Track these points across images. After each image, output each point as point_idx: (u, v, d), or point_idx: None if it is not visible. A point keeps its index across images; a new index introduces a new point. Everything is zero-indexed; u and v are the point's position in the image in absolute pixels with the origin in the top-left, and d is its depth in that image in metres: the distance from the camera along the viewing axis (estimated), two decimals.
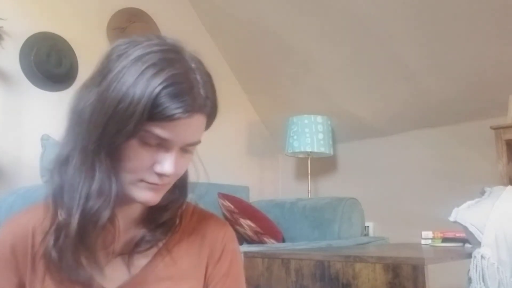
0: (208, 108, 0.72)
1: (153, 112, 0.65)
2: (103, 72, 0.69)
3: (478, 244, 1.55)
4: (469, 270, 1.53)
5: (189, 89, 0.67)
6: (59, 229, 0.70)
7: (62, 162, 0.71)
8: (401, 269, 1.38)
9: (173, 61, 0.68)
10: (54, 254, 0.70)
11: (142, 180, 0.70)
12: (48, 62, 2.44)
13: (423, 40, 2.61)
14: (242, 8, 3.08)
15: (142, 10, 2.95)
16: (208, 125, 0.75)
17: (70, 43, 2.54)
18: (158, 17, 3.01)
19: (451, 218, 1.65)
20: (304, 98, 3.34)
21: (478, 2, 2.32)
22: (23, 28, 2.42)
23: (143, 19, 2.93)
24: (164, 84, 0.65)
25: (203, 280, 0.81)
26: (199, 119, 0.70)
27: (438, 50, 2.60)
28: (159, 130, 0.67)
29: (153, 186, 0.71)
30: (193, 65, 0.71)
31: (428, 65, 2.71)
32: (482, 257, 1.51)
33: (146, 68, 0.66)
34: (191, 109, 0.67)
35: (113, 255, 0.76)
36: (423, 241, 2.15)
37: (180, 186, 0.80)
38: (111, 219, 0.71)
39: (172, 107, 0.65)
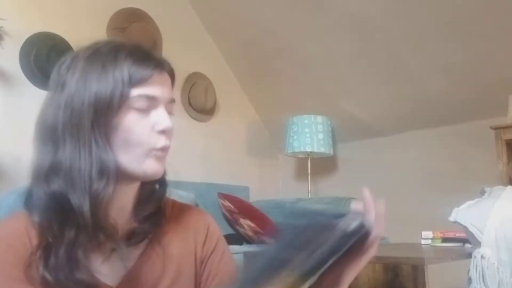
0: (168, 67, 0.81)
1: (132, 80, 0.73)
2: (59, 84, 0.75)
3: (478, 244, 1.55)
4: (469, 270, 1.53)
5: (148, 53, 0.78)
6: (48, 248, 0.72)
7: (50, 169, 0.73)
8: (401, 269, 1.38)
9: (120, 43, 0.78)
10: (47, 275, 0.71)
11: (151, 149, 0.75)
12: (48, 62, 2.44)
13: (423, 41, 2.61)
14: (242, 8, 3.08)
15: (142, 10, 2.95)
16: (172, 85, 0.83)
17: (70, 43, 2.54)
18: (158, 17, 3.01)
19: (451, 218, 1.65)
20: (304, 98, 3.34)
21: (479, 3, 2.32)
22: (23, 28, 2.42)
23: (143, 19, 2.93)
24: (130, 55, 0.75)
25: (194, 265, 0.86)
26: (167, 77, 0.80)
27: (438, 51, 2.60)
28: (144, 90, 0.74)
29: (160, 155, 0.77)
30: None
31: (428, 65, 2.71)
32: (482, 257, 1.51)
33: (105, 55, 0.75)
34: (159, 65, 0.77)
35: (107, 252, 0.77)
36: (423, 241, 2.15)
37: (160, 180, 0.84)
38: (106, 219, 0.73)
39: (145, 66, 0.75)
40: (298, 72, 3.22)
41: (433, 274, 1.48)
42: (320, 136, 3.12)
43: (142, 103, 0.75)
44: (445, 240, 2.06)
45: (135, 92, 0.74)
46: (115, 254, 0.77)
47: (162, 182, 0.85)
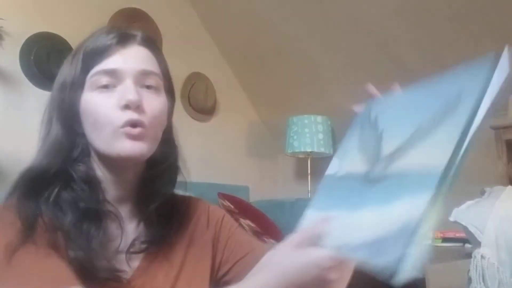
0: (140, 39, 0.76)
1: (88, 58, 0.72)
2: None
3: (478, 244, 1.55)
4: (469, 270, 1.53)
5: (111, 29, 0.75)
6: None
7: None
8: None
9: (100, 28, 0.78)
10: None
11: (117, 128, 0.71)
12: (48, 62, 2.44)
13: (423, 41, 2.61)
14: (242, 8, 3.08)
15: (142, 10, 2.95)
16: (158, 58, 0.78)
17: (70, 43, 2.54)
18: (158, 17, 3.01)
19: (451, 218, 1.65)
20: (304, 98, 3.34)
21: (478, 3, 2.32)
22: (23, 28, 2.42)
23: (143, 19, 2.93)
24: (92, 36, 0.75)
25: (206, 253, 0.83)
26: (139, 50, 0.75)
27: (438, 51, 2.60)
28: (103, 66, 0.72)
29: (132, 132, 0.71)
30: None
31: (428, 66, 2.71)
32: (482, 257, 1.50)
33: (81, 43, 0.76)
34: (122, 38, 0.74)
35: (118, 252, 0.74)
36: None
37: (169, 174, 0.82)
38: (112, 215, 0.74)
39: (102, 42, 0.73)
40: (298, 72, 3.22)
41: (433, 274, 1.48)
42: (320, 136, 3.12)
43: (102, 80, 0.72)
44: (445, 240, 2.06)
45: (94, 70, 0.72)
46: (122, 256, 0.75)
47: (167, 174, 0.81)
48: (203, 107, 3.21)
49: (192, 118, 3.19)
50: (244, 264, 0.81)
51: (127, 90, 0.71)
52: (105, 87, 0.72)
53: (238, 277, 0.74)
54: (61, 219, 0.70)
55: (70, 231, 0.69)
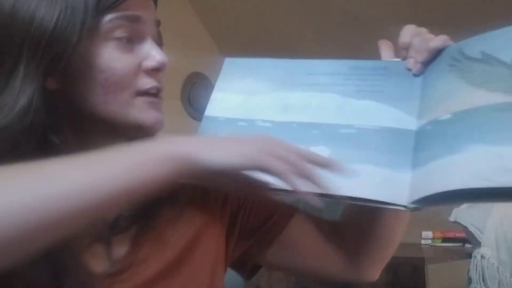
0: None
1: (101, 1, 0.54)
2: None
3: (478, 244, 1.55)
4: (469, 270, 1.53)
5: None
6: None
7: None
8: (401, 269, 1.38)
9: None
10: None
11: (138, 93, 0.58)
12: None
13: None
14: (242, 8, 3.08)
15: None
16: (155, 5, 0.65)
17: None
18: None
19: (451, 218, 1.65)
20: None
21: (478, 3, 2.32)
22: None
23: None
24: None
25: (210, 246, 0.65)
26: None
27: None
28: (122, 10, 0.55)
29: (154, 100, 0.59)
30: None
31: None
32: (482, 257, 1.50)
33: None
34: None
35: (90, 238, 0.58)
36: (423, 241, 2.15)
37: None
38: None
39: None
40: None
41: (433, 274, 1.48)
42: None
43: (122, 30, 0.56)
44: (445, 240, 2.06)
45: (109, 16, 0.55)
46: (100, 244, 0.58)
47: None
48: (203, 107, 3.21)
49: (193, 118, 3.19)
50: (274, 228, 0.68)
51: (156, 49, 0.59)
52: (127, 40, 0.57)
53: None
54: None
55: None
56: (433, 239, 2.10)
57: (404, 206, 0.54)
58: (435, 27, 0.68)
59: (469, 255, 1.57)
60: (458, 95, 0.58)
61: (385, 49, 0.78)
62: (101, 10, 0.54)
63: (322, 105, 0.66)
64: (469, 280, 1.52)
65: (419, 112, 0.62)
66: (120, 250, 0.59)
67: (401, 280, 1.38)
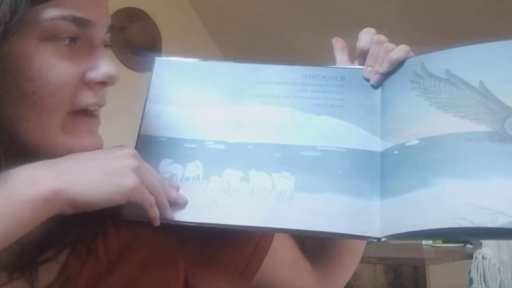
0: None
1: None
2: None
3: (479, 244, 1.55)
4: (470, 270, 1.53)
5: None
6: None
7: None
8: (402, 269, 1.38)
9: None
10: None
11: (73, 112, 0.46)
12: None
13: (423, 41, 2.61)
14: (242, 8, 3.08)
15: (141, 10, 2.94)
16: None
17: None
18: (158, 17, 3.01)
19: None
20: None
21: (478, 2, 2.32)
22: None
23: (143, 18, 2.93)
24: None
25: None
26: None
27: (437, 51, 2.60)
28: (67, 8, 0.43)
29: (91, 121, 0.48)
30: None
31: None
32: (483, 257, 1.50)
33: None
34: None
35: (8, 272, 0.46)
36: (424, 242, 2.14)
37: None
38: None
39: None
40: None
41: (434, 275, 1.47)
42: None
43: (65, 29, 0.44)
44: (446, 240, 2.06)
45: (51, 13, 0.42)
46: (22, 279, 0.46)
47: None
48: None
49: None
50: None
51: (104, 60, 0.47)
52: (70, 41, 0.45)
53: None
54: None
55: None
56: (434, 239, 2.10)
57: (378, 239, 0.52)
58: (435, 27, 0.67)
59: (470, 256, 1.56)
60: (424, 119, 0.55)
61: (340, 52, 0.72)
62: (40, 0, 0.42)
63: (280, 122, 0.59)
64: (470, 281, 1.51)
65: (382, 132, 0.58)
66: (47, 279, 0.48)
67: (402, 280, 1.37)
